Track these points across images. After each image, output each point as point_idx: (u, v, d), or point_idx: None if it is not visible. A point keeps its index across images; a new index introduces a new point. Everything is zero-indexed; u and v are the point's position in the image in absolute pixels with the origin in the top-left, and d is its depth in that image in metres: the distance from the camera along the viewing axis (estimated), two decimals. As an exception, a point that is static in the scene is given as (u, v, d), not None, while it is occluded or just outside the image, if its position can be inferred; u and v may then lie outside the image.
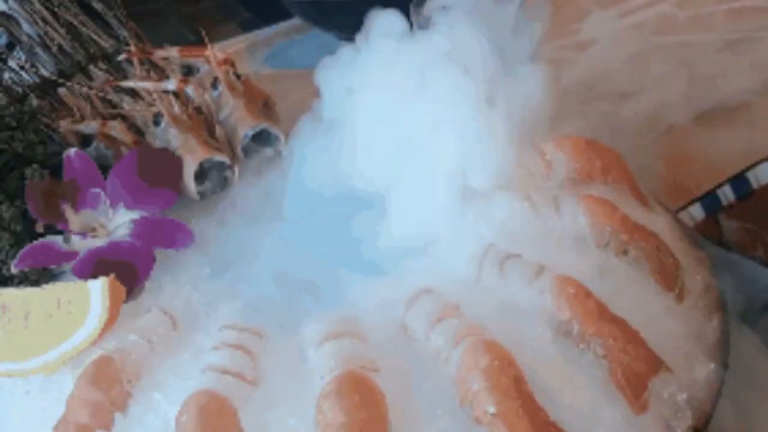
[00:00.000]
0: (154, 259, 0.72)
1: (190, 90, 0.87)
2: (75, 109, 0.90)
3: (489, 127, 0.68)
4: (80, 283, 0.67)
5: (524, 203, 0.69)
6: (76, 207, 0.77)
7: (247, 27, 1.62)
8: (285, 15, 1.52)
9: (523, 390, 0.55)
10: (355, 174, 0.72)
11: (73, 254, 0.73)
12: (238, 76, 0.89)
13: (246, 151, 0.84)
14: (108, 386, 0.61)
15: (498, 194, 0.69)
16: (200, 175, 0.81)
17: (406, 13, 1.37)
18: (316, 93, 0.91)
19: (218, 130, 0.84)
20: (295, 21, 1.47)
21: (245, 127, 0.83)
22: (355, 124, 0.72)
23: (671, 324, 0.64)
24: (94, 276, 0.67)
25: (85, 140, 0.87)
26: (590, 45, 1.22)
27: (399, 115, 0.69)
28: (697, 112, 1.04)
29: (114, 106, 0.91)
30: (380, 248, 0.67)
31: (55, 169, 0.80)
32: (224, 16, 1.70)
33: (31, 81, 0.96)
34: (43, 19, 0.98)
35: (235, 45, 1.45)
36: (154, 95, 0.86)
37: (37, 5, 0.97)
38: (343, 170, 0.72)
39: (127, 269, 0.70)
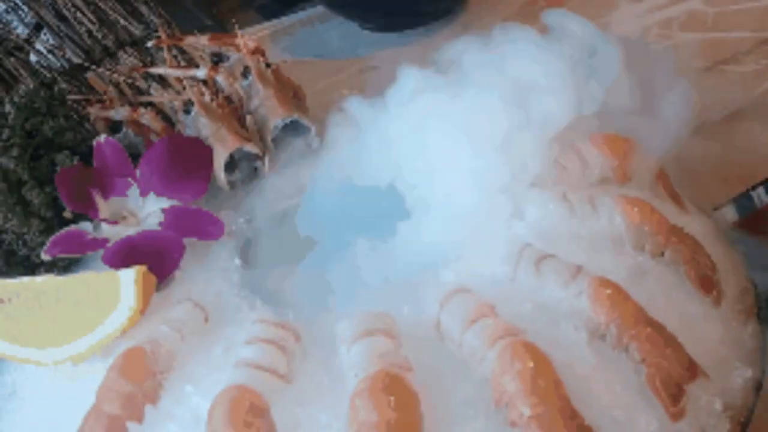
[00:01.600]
0: (184, 249, 0.71)
1: (220, 78, 0.87)
2: (104, 95, 0.89)
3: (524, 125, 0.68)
4: (111, 272, 0.67)
5: (560, 203, 0.68)
6: (106, 194, 0.77)
7: (264, 12, 1.62)
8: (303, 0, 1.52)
9: (560, 393, 0.55)
10: (391, 169, 0.71)
11: (102, 242, 0.73)
12: (269, 66, 0.88)
13: (276, 141, 0.84)
14: (139, 377, 0.60)
15: (534, 193, 0.68)
16: (230, 165, 0.80)
17: (428, 6, 1.36)
18: (339, 83, 0.90)
19: (248, 120, 0.84)
20: (318, 9, 1.46)
21: (276, 117, 0.83)
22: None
23: (708, 329, 0.63)
24: (125, 265, 0.67)
25: (114, 127, 0.87)
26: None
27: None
28: (727, 111, 1.02)
29: (142, 93, 0.90)
30: (415, 247, 0.67)
31: (85, 155, 0.79)
32: (242, 2, 1.69)
33: (59, 65, 0.95)
34: (72, 3, 0.98)
35: (258, 33, 1.45)
36: (184, 83, 0.85)
37: (66, -12, 0.97)
38: (378, 165, 0.71)
39: (157, 259, 0.70)
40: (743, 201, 0.82)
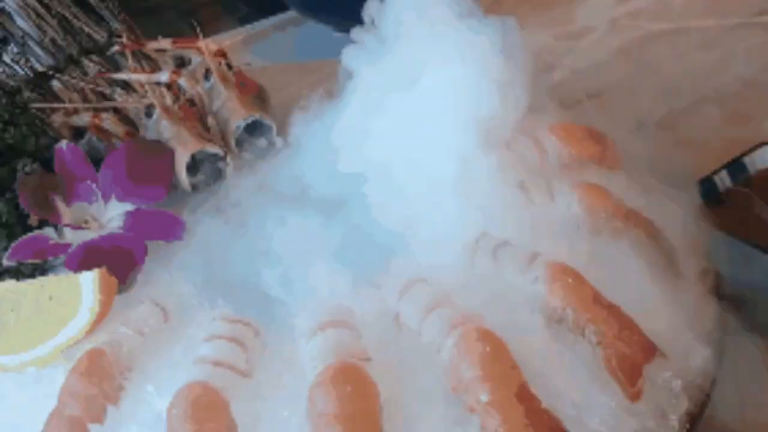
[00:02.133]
0: (146, 251, 0.71)
1: (182, 81, 0.87)
2: (68, 102, 0.89)
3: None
4: (72, 275, 0.67)
5: (518, 190, 0.68)
6: (68, 200, 0.77)
7: (246, 22, 1.61)
8: (282, 8, 1.52)
9: (517, 378, 0.55)
10: (352, 155, 0.71)
11: (65, 247, 0.73)
12: (230, 67, 0.88)
13: (239, 142, 0.84)
14: (100, 379, 0.60)
15: (491, 181, 0.68)
16: (193, 167, 0.80)
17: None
18: (310, 85, 0.90)
19: (211, 122, 0.84)
20: (292, 13, 1.46)
21: (237, 117, 0.83)
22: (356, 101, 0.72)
23: (666, 310, 0.63)
24: (87, 268, 0.67)
25: (77, 133, 0.87)
26: (586, 34, 1.21)
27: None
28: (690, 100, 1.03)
29: (107, 99, 0.90)
30: (372, 237, 0.67)
31: (47, 161, 0.79)
32: (223, 11, 1.69)
33: (25, 75, 0.95)
34: (36, 13, 0.98)
35: (232, 38, 1.44)
36: (147, 87, 0.85)
37: (30, -1, 0.97)
38: (340, 149, 0.72)
39: (119, 261, 0.70)
40: (707, 184, 0.82)
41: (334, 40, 1.38)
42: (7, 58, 0.98)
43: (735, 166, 0.82)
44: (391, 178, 0.69)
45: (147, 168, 0.77)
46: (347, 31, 1.38)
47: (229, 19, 1.69)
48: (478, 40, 0.69)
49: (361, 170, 0.71)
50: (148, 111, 0.83)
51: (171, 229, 0.73)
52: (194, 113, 0.85)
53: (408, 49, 0.70)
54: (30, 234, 0.74)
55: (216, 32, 1.38)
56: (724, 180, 0.83)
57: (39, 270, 0.76)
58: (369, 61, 0.74)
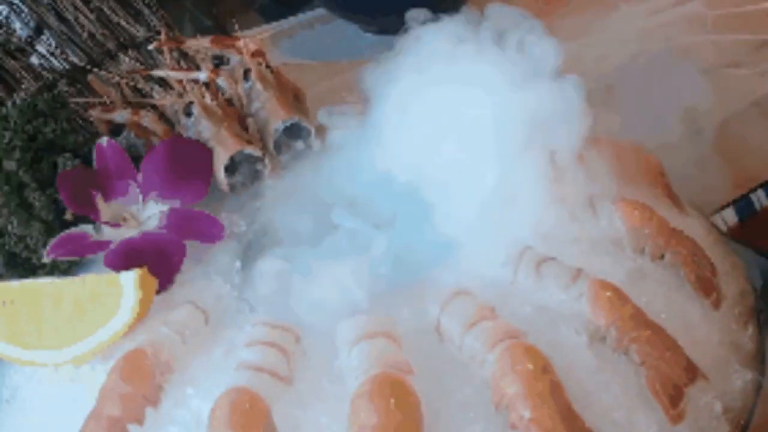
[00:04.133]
0: (185, 252, 0.71)
1: (221, 81, 0.87)
2: (105, 98, 0.90)
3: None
4: (112, 274, 0.67)
5: (560, 206, 0.68)
6: (107, 197, 0.77)
7: (266, 14, 1.61)
8: (304, 2, 1.52)
9: (560, 396, 0.55)
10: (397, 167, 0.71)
11: (104, 244, 0.73)
12: (270, 68, 0.88)
13: (277, 144, 0.84)
14: (140, 380, 0.61)
15: (534, 197, 0.68)
16: (231, 168, 0.80)
17: (431, 7, 1.36)
18: (339, 85, 0.90)
19: (249, 123, 0.84)
20: (319, 11, 1.46)
21: (277, 120, 0.83)
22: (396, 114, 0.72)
23: (707, 331, 0.63)
24: (126, 267, 0.67)
25: (115, 129, 0.87)
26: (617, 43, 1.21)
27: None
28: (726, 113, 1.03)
29: (143, 95, 0.90)
30: (416, 249, 0.67)
31: (86, 157, 0.80)
32: (242, 3, 1.69)
33: (61, 68, 0.95)
34: (73, 5, 0.98)
35: (259, 35, 1.44)
36: (186, 85, 0.86)
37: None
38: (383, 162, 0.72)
39: (158, 261, 0.70)
40: (743, 203, 0.82)
41: (363, 39, 1.39)
42: (42, 49, 0.98)
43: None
44: (436, 187, 0.69)
45: (187, 167, 0.78)
46: (375, 29, 1.38)
47: (249, 11, 1.69)
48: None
49: (404, 178, 0.71)
50: (188, 109, 0.83)
51: (210, 230, 0.73)
52: (233, 113, 0.85)
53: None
54: (69, 231, 0.75)
55: (239, 26, 1.38)
56: (761, 198, 0.83)
57: (75, 267, 0.76)
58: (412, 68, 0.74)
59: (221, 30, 1.28)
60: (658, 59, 1.12)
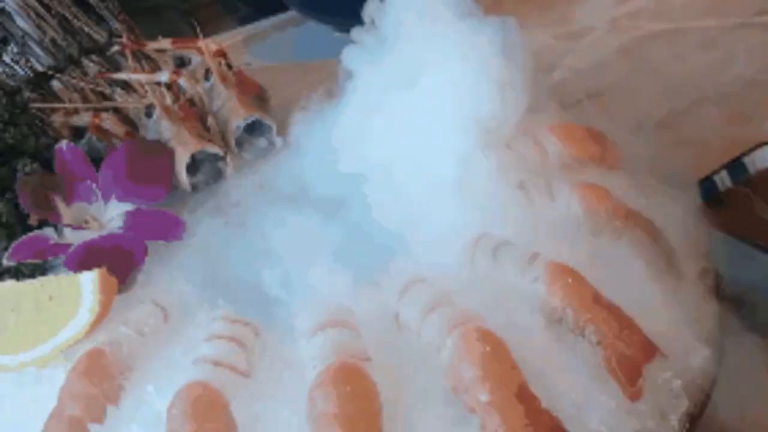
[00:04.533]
0: (146, 251, 0.71)
1: (182, 81, 0.87)
2: (68, 102, 0.89)
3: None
4: (72, 275, 0.67)
5: (518, 190, 0.68)
6: (68, 200, 0.77)
7: (247, 22, 1.61)
8: (282, 8, 1.51)
9: (517, 378, 0.55)
10: (352, 155, 0.71)
11: (65, 247, 0.73)
12: (230, 67, 0.88)
13: (239, 142, 0.84)
14: (100, 379, 0.60)
15: (491, 181, 0.68)
16: (193, 167, 0.80)
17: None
18: (310, 85, 0.90)
19: (211, 122, 0.84)
20: (291, 13, 1.46)
21: (237, 118, 0.83)
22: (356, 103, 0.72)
23: (666, 310, 0.63)
24: (87, 268, 0.67)
25: (77, 133, 0.87)
26: (586, 34, 1.21)
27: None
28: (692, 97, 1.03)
29: (107, 99, 0.90)
30: (372, 237, 0.67)
31: (47, 162, 0.79)
32: (223, 11, 1.69)
33: (25, 75, 0.95)
34: (36, 13, 0.98)
35: (232, 38, 1.44)
36: (147, 87, 0.85)
37: (30, -1, 0.97)
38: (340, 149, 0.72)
39: (119, 261, 0.70)
40: (707, 184, 0.82)
41: (334, 40, 1.38)
42: (7, 58, 0.98)
43: (735, 166, 0.82)
44: (391, 178, 0.69)
45: (147, 168, 0.77)
46: (347, 31, 1.38)
47: (229, 18, 1.69)
48: (478, 40, 0.69)
49: (361, 170, 0.71)
50: (148, 111, 0.83)
51: (171, 229, 0.73)
52: (194, 113, 0.85)
53: (408, 49, 0.70)
54: (30, 234, 0.74)
55: (216, 32, 1.38)
56: (724, 180, 0.83)
57: (39, 270, 0.76)
58: (369, 61, 0.75)
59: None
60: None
